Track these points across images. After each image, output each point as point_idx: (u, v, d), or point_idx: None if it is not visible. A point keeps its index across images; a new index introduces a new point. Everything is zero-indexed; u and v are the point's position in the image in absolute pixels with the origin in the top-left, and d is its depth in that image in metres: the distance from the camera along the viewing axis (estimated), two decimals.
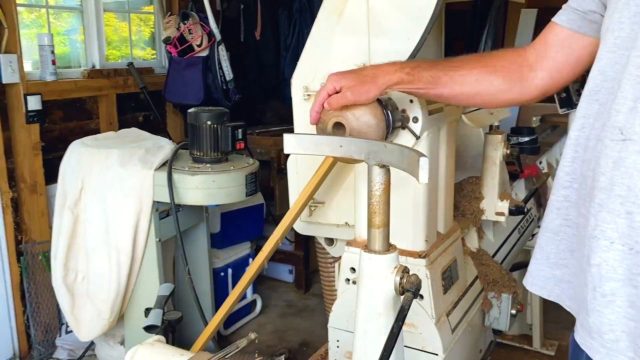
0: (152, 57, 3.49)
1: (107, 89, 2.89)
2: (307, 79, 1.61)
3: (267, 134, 3.24)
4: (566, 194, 0.94)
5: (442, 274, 1.33)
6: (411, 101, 1.19)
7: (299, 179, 1.69)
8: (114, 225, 2.07)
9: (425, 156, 0.82)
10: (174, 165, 2.10)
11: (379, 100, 1.11)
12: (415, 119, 1.19)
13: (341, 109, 1.07)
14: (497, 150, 1.55)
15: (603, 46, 0.90)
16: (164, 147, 2.20)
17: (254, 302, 3.05)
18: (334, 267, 1.83)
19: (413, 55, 1.45)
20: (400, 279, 0.98)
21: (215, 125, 2.08)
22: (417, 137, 1.19)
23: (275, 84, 3.51)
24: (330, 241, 1.78)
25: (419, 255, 1.27)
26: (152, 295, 2.14)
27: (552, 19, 1.04)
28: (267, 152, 3.00)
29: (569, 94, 2.48)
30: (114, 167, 2.07)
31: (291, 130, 1.66)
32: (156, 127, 3.25)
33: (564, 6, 1.02)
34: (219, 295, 2.75)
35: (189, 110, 2.13)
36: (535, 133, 2.60)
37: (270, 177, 3.05)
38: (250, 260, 2.95)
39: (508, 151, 1.56)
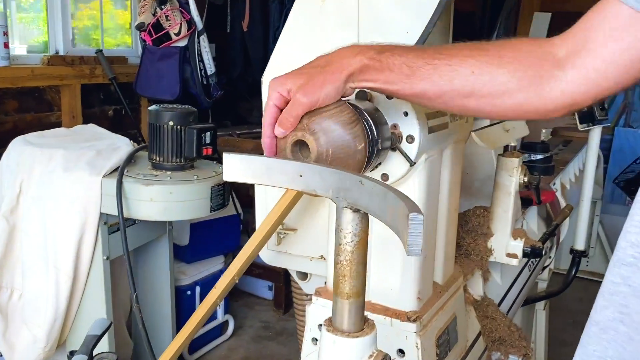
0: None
1: (70, 78, 2.58)
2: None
3: (249, 135, 2.93)
4: (626, 274, 0.62)
5: (437, 340, 1.02)
6: (406, 114, 0.88)
7: (267, 200, 1.39)
8: (53, 239, 1.76)
9: (420, 213, 0.51)
10: (128, 171, 1.79)
11: (358, 110, 0.80)
12: (411, 139, 0.88)
13: (303, 121, 0.76)
14: (513, 177, 1.24)
15: None
16: (120, 149, 1.89)
17: (225, 323, 2.74)
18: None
19: None
20: None
21: (178, 127, 1.77)
22: (412, 163, 0.88)
23: None
24: (304, 275, 1.47)
25: (407, 317, 0.96)
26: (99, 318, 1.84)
27: None
28: None
29: (590, 108, 2.18)
30: (56, 171, 1.76)
31: None
32: (128, 124, 2.94)
33: None
34: (185, 318, 2.43)
35: (149, 108, 1.82)
36: (550, 150, 2.29)
37: (249, 185, 2.74)
38: None
39: (526, 179, 1.25)
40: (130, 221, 1.87)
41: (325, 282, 1.07)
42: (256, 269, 2.90)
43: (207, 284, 2.56)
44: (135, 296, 1.69)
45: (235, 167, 0.75)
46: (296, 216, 1.34)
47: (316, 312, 1.04)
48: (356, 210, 0.67)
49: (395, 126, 0.88)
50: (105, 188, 1.73)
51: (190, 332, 1.33)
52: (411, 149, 0.88)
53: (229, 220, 2.60)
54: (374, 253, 1.01)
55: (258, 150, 2.79)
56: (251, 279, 3.13)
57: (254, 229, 2.93)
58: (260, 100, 3.73)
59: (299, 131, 0.77)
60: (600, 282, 0.65)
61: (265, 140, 0.80)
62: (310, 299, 1.55)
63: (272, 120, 0.79)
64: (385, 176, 0.91)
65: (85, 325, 1.88)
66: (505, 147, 1.27)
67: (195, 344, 2.55)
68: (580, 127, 2.19)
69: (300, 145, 0.78)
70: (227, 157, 0.76)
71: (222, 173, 1.90)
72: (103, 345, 1.86)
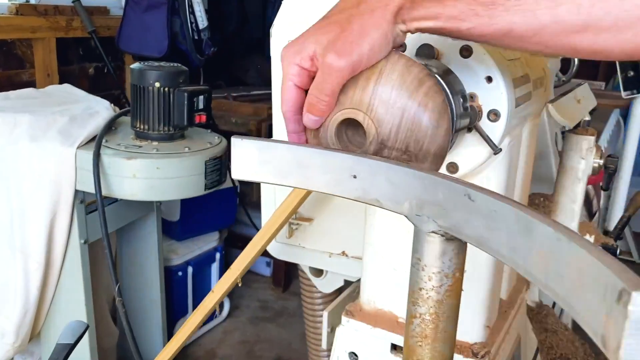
0: None
1: (43, 31, 2.26)
2: (294, 29, 1.04)
3: (247, 99, 2.65)
4: None
5: None
6: (489, 79, 0.62)
7: (275, 192, 1.13)
8: (20, 221, 1.50)
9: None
10: (108, 141, 1.52)
11: (429, 70, 0.54)
12: (494, 115, 0.62)
13: (348, 92, 0.50)
14: (585, 160, 1.00)
15: None
16: (99, 114, 1.62)
17: (220, 304, 2.51)
18: (322, 310, 1.29)
19: None
20: None
21: (166, 89, 1.50)
22: (497, 150, 0.62)
23: (260, 36, 2.89)
24: (319, 272, 1.24)
25: (473, 352, 0.72)
26: (77, 309, 1.61)
27: None
28: (245, 122, 2.42)
29: (638, 73, 1.92)
30: (22, 141, 1.49)
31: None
32: (111, 83, 2.65)
33: None
34: (176, 301, 2.22)
35: (132, 66, 1.54)
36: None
37: None
38: (218, 255, 2.40)
39: (602, 162, 1.01)
40: (111, 199, 1.62)
41: (359, 295, 0.83)
42: None
43: (200, 263, 2.32)
44: (117, 288, 1.44)
45: (250, 159, 0.49)
46: (312, 203, 1.09)
47: (347, 336, 0.80)
48: (452, 239, 0.41)
49: (472, 97, 0.63)
50: (81, 161, 1.47)
51: (183, 340, 1.10)
52: (495, 130, 0.63)
53: (224, 193, 2.34)
54: None
55: (257, 115, 2.44)
56: None
57: (251, 203, 2.67)
58: (259, 58, 3.33)
59: (347, 106, 0.51)
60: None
61: (291, 137, 0.53)
62: (323, 304, 1.32)
63: (295, 107, 0.52)
64: (453, 167, 0.66)
65: (61, 316, 1.65)
66: (577, 123, 1.02)
67: None
68: (624, 94, 1.94)
69: (347, 127, 0.52)
70: (237, 143, 0.50)
71: (218, 144, 1.60)
72: (83, 340, 1.63)
